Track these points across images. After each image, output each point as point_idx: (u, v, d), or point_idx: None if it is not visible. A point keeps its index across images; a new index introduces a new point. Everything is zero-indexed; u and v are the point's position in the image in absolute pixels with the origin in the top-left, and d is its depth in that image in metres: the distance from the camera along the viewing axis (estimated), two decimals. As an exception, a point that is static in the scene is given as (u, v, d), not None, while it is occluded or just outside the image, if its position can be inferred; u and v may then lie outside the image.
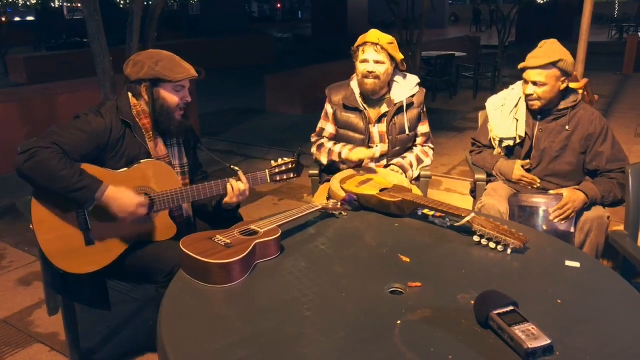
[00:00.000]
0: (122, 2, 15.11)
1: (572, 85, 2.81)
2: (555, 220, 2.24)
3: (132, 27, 3.62)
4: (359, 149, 2.49)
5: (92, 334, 2.48)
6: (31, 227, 1.82)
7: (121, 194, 1.81)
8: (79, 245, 1.83)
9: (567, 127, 2.37)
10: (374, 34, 2.45)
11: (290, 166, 2.09)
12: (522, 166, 2.45)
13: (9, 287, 2.95)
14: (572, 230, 2.26)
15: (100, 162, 1.89)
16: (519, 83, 2.51)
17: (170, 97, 1.96)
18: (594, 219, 2.24)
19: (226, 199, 2.02)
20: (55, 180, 1.72)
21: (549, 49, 2.31)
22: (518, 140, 2.47)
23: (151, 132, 1.99)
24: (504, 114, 2.51)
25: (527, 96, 2.38)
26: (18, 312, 2.69)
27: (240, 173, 2.02)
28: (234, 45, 14.42)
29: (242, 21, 24.75)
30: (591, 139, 2.37)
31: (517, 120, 2.46)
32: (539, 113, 2.41)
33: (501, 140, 2.53)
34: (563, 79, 2.32)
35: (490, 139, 2.59)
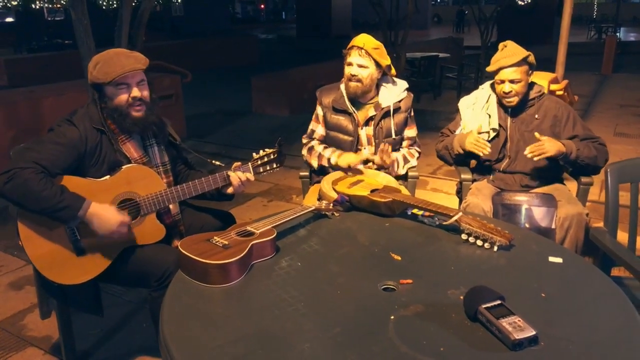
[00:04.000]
0: (104, 4, 14.98)
1: (553, 86, 2.92)
2: (529, 155, 2.34)
3: (120, 32, 3.64)
4: (347, 155, 2.54)
5: (86, 336, 2.50)
6: (20, 243, 1.82)
7: (104, 212, 1.80)
8: (70, 257, 1.84)
9: (536, 116, 2.53)
10: (361, 39, 2.51)
11: (272, 156, 2.11)
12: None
13: (0, 291, 2.95)
14: (553, 226, 2.35)
15: (82, 171, 1.90)
16: (487, 82, 2.67)
17: (116, 98, 1.93)
18: (573, 216, 2.33)
19: (230, 190, 2.07)
20: (36, 201, 1.71)
21: (515, 48, 2.47)
22: (492, 134, 2.58)
23: (122, 135, 2.00)
24: (476, 111, 2.64)
25: (505, 94, 2.49)
26: (10, 316, 2.70)
27: (231, 173, 2.06)
28: (217, 46, 14.38)
29: (225, 22, 24.68)
30: (559, 123, 2.51)
31: (490, 116, 2.59)
32: (511, 108, 2.56)
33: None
34: (531, 72, 2.50)
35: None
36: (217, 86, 10.81)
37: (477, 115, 2.62)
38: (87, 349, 2.43)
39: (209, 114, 8.11)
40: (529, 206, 2.35)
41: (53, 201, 1.72)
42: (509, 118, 2.57)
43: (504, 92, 2.49)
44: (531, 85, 2.57)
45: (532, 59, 2.47)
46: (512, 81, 2.45)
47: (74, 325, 2.26)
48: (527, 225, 2.33)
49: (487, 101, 2.62)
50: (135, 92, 1.94)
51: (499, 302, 1.28)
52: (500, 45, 2.53)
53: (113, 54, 1.95)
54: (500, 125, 2.56)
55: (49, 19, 22.62)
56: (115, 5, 15.24)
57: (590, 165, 2.46)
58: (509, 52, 2.46)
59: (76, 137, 1.87)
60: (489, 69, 2.53)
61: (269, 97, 8.15)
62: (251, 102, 8.35)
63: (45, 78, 8.25)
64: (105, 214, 1.81)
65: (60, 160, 1.81)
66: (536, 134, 2.42)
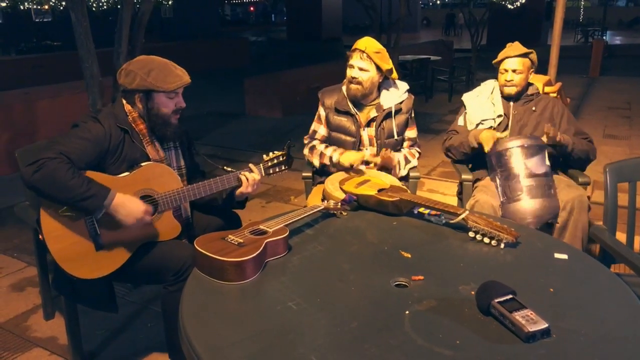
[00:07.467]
0: (94, 6, 14.90)
1: (547, 89, 3.01)
2: (551, 134, 2.46)
3: (120, 33, 3.64)
4: (349, 153, 2.58)
5: (92, 337, 2.51)
6: (41, 237, 1.85)
7: (128, 201, 1.85)
8: (90, 251, 1.87)
9: (533, 108, 2.74)
10: (363, 42, 2.55)
11: (281, 159, 2.17)
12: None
13: (1, 293, 2.94)
14: (547, 165, 2.43)
15: (102, 168, 1.93)
16: (490, 80, 2.89)
17: (164, 105, 2.01)
18: (574, 199, 2.42)
19: (241, 189, 2.11)
20: (64, 190, 1.75)
21: (519, 45, 2.74)
22: (498, 121, 2.75)
23: (148, 137, 2.04)
24: (481, 100, 2.84)
25: (506, 82, 2.71)
26: (14, 318, 2.70)
27: (244, 174, 2.10)
28: (208, 48, 14.39)
29: (214, 24, 24.66)
30: (556, 117, 2.73)
31: (494, 105, 2.79)
32: (512, 98, 2.76)
33: (481, 123, 2.78)
34: (532, 69, 2.74)
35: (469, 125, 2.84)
36: (208, 88, 10.79)
37: (482, 104, 2.81)
38: (93, 349, 2.44)
39: (201, 116, 8.11)
40: (523, 144, 2.40)
41: (80, 190, 1.75)
42: (511, 104, 2.78)
43: (505, 80, 2.72)
44: (529, 84, 2.79)
45: (533, 56, 2.72)
46: (514, 70, 2.69)
47: (80, 326, 2.27)
48: (525, 166, 2.38)
49: (491, 92, 2.84)
50: (182, 102, 2.05)
51: (510, 296, 1.33)
52: (508, 44, 2.79)
53: (162, 62, 2.01)
54: (504, 113, 2.76)
55: (37, 20, 22.44)
56: (105, 7, 15.15)
57: (582, 158, 2.66)
58: (515, 47, 2.74)
59: (101, 133, 1.91)
60: (495, 61, 2.77)
61: (261, 99, 8.18)
62: (244, 104, 8.36)
63: (36, 80, 8.20)
64: (130, 203, 1.85)
65: (85, 154, 1.85)
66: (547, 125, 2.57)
